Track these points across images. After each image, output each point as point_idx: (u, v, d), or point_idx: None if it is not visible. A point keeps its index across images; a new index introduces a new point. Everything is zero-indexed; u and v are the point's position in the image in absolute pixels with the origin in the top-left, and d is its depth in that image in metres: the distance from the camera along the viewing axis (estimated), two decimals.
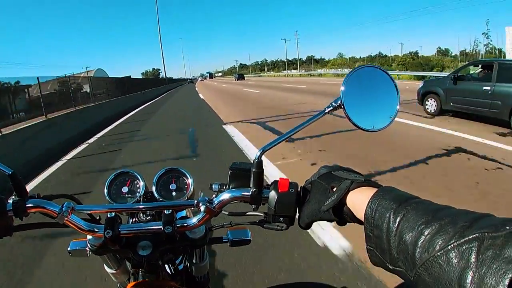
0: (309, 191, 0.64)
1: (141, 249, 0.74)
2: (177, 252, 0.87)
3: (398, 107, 0.66)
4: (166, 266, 0.89)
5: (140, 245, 0.74)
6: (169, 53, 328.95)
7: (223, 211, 0.72)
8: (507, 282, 0.32)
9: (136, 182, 0.91)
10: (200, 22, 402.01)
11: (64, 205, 0.69)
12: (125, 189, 0.90)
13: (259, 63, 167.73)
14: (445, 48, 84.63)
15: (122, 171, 0.93)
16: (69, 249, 0.86)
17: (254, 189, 0.66)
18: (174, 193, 0.91)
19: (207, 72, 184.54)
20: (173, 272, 0.90)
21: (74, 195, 0.76)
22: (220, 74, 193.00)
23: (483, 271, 0.35)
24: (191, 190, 0.92)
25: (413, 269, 0.43)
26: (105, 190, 0.89)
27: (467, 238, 0.38)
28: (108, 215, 0.71)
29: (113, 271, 0.89)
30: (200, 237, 0.79)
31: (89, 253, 0.81)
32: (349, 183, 0.57)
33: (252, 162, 0.67)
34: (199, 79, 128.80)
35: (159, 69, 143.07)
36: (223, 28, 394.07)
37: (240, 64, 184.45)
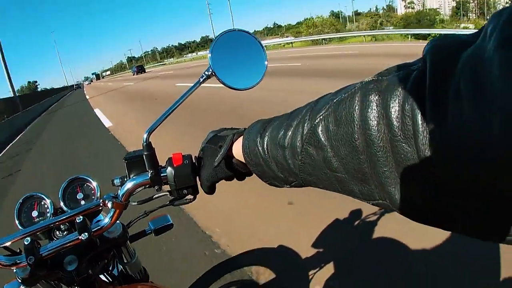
0: (202, 158, 0.66)
1: (68, 265, 0.72)
2: (104, 257, 0.84)
3: (266, 62, 0.69)
4: (102, 276, 0.86)
5: (66, 261, 0.72)
6: (45, 61, 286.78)
7: (131, 203, 0.71)
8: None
9: (43, 202, 0.88)
10: (71, 18, 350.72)
11: None
12: (34, 213, 0.87)
13: (149, 52, 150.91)
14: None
15: (26, 196, 0.88)
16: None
17: (151, 171, 0.66)
18: (83, 202, 0.89)
19: (92, 74, 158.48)
20: (110, 279, 0.88)
21: None
22: (108, 72, 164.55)
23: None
24: (98, 193, 0.91)
25: (298, 177, 0.46)
26: (16, 221, 0.85)
27: (311, 129, 0.41)
28: (25, 242, 0.67)
29: None
30: (120, 235, 0.79)
31: None
32: (231, 136, 0.60)
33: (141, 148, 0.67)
34: (86, 83, 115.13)
35: (36, 81, 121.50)
36: (100, 24, 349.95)
37: (129, 57, 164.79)
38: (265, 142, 0.50)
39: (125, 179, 0.72)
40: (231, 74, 0.66)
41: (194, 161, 0.66)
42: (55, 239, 0.82)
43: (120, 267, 0.92)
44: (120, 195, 0.69)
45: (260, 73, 0.68)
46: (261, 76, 0.68)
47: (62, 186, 0.90)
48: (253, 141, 0.52)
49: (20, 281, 0.72)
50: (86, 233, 0.69)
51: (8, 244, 0.71)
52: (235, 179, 0.65)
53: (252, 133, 0.54)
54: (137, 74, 47.02)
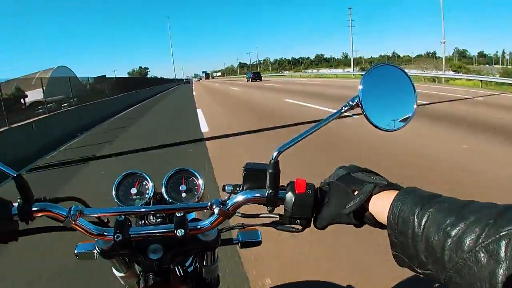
0: (327, 193, 0.63)
1: (151, 252, 0.72)
2: (188, 254, 0.88)
3: (415, 106, 0.66)
4: (176, 268, 0.87)
5: (151, 249, 0.72)
6: (158, 51, 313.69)
7: (237, 214, 0.70)
8: None
9: (144, 183, 0.90)
10: (192, 19, 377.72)
11: (72, 209, 0.67)
12: (133, 191, 0.88)
13: (261, 61, 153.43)
14: (462, 49, 72.60)
15: (130, 172, 0.91)
16: (76, 252, 0.85)
17: (270, 191, 0.65)
18: (183, 194, 0.90)
19: (202, 72, 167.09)
20: (182, 274, 0.88)
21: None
22: (219, 74, 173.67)
23: None
24: (202, 191, 0.90)
25: (443, 271, 0.42)
26: (113, 192, 0.88)
27: (493, 238, 0.38)
28: (118, 218, 0.68)
29: (121, 274, 0.86)
30: (212, 240, 0.76)
31: (96, 256, 0.79)
32: (372, 187, 0.56)
33: (266, 163, 0.67)
34: (195, 80, 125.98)
35: (147, 68, 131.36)
36: (218, 26, 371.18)
37: (240, 63, 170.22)
38: (425, 218, 0.46)
39: (238, 189, 0.70)
40: (377, 110, 0.63)
41: (317, 193, 0.63)
42: (146, 222, 0.83)
43: (197, 265, 0.91)
44: (229, 204, 0.68)
45: (406, 116, 0.66)
46: (408, 120, 0.66)
47: (168, 174, 0.91)
48: (410, 209, 0.48)
49: (97, 249, 0.72)
50: (182, 230, 0.67)
51: (102, 215, 0.73)
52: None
53: (410, 200, 0.49)
54: (251, 81, 44.68)
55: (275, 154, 0.64)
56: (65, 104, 13.35)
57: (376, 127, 0.64)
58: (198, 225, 0.71)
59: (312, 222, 0.64)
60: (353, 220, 0.58)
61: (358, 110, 0.64)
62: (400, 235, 0.48)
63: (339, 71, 48.65)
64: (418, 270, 0.47)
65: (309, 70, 74.56)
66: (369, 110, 0.63)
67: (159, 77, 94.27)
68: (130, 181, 0.90)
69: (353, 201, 0.57)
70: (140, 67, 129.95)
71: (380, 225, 0.56)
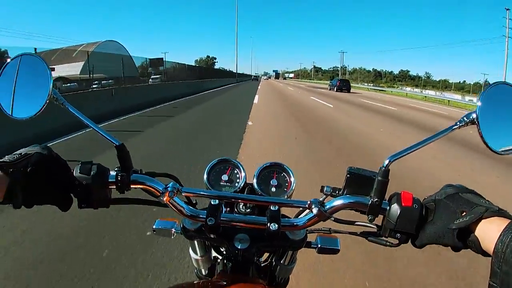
0: (433, 211, 0.60)
1: (238, 241, 0.71)
2: (272, 250, 0.87)
3: None
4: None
5: (238, 237, 0.72)
6: (228, 44, 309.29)
7: (332, 218, 0.69)
8: None
9: (236, 171, 0.90)
10: (272, 18, 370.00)
11: (169, 185, 0.68)
12: (224, 177, 0.88)
13: (346, 67, 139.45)
14: None
15: (223, 158, 0.92)
16: (154, 227, 0.85)
17: (376, 199, 0.63)
18: (273, 189, 0.87)
19: (273, 71, 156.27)
20: (259, 268, 0.86)
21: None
22: (291, 75, 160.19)
23: None
24: (292, 189, 0.88)
25: None
26: (205, 176, 0.88)
27: None
28: (212, 202, 0.69)
29: (197, 257, 0.86)
30: (300, 239, 0.74)
31: (174, 234, 0.83)
32: (483, 210, 0.53)
33: (371, 170, 0.68)
34: (264, 78, 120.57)
35: (215, 58, 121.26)
36: (295, 28, 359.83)
37: (315, 67, 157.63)
38: None
39: (337, 192, 0.70)
40: (492, 130, 0.60)
41: (422, 208, 0.61)
42: (235, 210, 0.84)
43: (273, 262, 0.88)
44: (327, 207, 0.66)
45: None
46: None
47: (260, 167, 0.90)
48: None
49: (178, 228, 0.78)
50: (276, 224, 0.66)
51: (196, 195, 0.73)
52: (447, 247, 0.59)
53: None
54: (336, 91, 33.10)
55: (386, 162, 0.62)
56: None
57: (489, 148, 0.60)
58: (293, 222, 0.70)
59: (410, 239, 0.62)
60: (456, 240, 0.55)
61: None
62: (505, 265, 0.47)
63: (454, 97, 34.70)
64: None
65: (408, 88, 60.64)
66: (485, 130, 0.60)
67: (227, 69, 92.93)
68: (221, 167, 0.91)
69: (462, 219, 0.54)
70: (208, 56, 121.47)
71: (483, 252, 0.53)
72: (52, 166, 0.64)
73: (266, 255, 0.92)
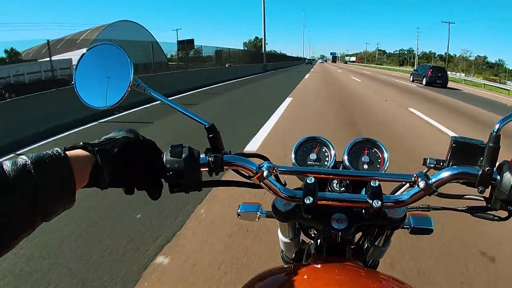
0: None
1: (335, 221, 0.68)
2: (367, 230, 0.81)
3: None
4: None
5: (335, 217, 0.68)
6: (284, 25, 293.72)
7: (437, 191, 0.64)
8: None
9: (324, 149, 0.87)
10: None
11: (264, 165, 0.66)
12: (312, 156, 0.85)
13: (403, 52, 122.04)
14: None
15: (310, 136, 0.89)
16: (238, 211, 0.86)
17: (488, 168, 0.59)
18: (365, 166, 0.83)
19: (331, 53, 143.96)
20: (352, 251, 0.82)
21: None
22: (353, 58, 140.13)
23: None
24: (386, 166, 0.83)
25: None
26: (292, 155, 0.86)
27: None
28: (308, 180, 0.66)
29: (287, 240, 0.84)
30: (400, 218, 0.70)
31: (259, 218, 0.83)
32: None
33: (476, 139, 0.66)
34: (319, 61, 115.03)
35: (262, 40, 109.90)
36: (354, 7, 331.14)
37: (379, 49, 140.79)
38: None
39: (442, 164, 0.68)
40: None
41: None
42: (328, 190, 0.80)
43: (366, 244, 0.83)
44: (433, 180, 0.62)
45: None
46: None
47: (351, 143, 0.87)
48: None
49: (272, 210, 0.73)
50: (379, 201, 0.62)
51: (295, 173, 0.72)
52: None
53: None
54: (426, 84, 21.36)
55: (497, 126, 0.59)
56: None
57: None
58: (398, 198, 0.66)
59: None
60: None
61: None
62: None
63: None
64: None
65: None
66: None
67: (278, 52, 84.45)
68: (309, 146, 0.88)
69: None
70: (256, 38, 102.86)
71: None
72: (140, 150, 0.61)
73: (357, 237, 0.83)
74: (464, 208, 0.68)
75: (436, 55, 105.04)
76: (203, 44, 28.29)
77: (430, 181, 0.62)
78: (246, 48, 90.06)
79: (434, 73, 21.81)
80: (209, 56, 23.11)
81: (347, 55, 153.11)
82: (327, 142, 0.86)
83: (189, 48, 20.94)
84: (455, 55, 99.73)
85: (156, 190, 0.64)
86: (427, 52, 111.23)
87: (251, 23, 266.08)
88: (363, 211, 0.65)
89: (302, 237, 0.88)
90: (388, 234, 0.79)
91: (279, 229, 0.85)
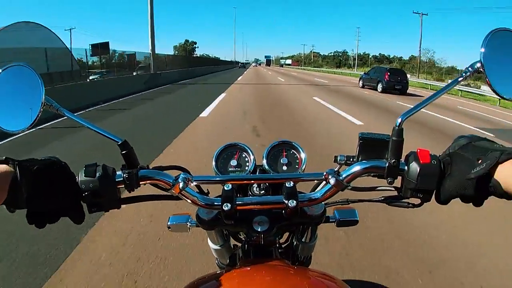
0: (449, 164, 0.60)
1: (257, 224, 0.70)
2: (292, 228, 0.85)
3: None
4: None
5: (256, 220, 0.70)
6: (209, 25, 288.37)
7: (349, 186, 0.67)
8: None
9: (244, 155, 0.88)
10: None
11: (180, 176, 0.66)
12: (233, 162, 0.86)
13: (338, 53, 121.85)
14: None
15: (230, 143, 0.90)
16: (168, 223, 0.84)
17: (393, 160, 0.62)
18: (284, 168, 0.86)
19: (265, 57, 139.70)
20: (280, 249, 0.86)
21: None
22: (288, 61, 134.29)
23: None
24: (303, 166, 0.86)
25: None
26: (213, 163, 0.86)
27: None
28: (225, 188, 0.67)
29: (217, 247, 0.85)
30: (319, 214, 0.73)
31: (189, 228, 0.83)
32: (498, 154, 0.53)
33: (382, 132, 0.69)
34: (253, 64, 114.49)
35: (195, 43, 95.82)
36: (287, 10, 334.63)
37: (314, 52, 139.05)
38: None
39: (352, 160, 0.71)
40: (499, 77, 0.60)
41: (440, 163, 0.61)
42: (249, 193, 0.81)
43: (294, 241, 0.86)
44: (344, 176, 0.65)
45: None
46: None
47: (269, 146, 0.89)
48: None
49: (196, 220, 0.74)
50: (294, 201, 0.64)
51: (206, 183, 0.73)
52: (469, 202, 0.59)
53: None
54: (382, 91, 17.64)
55: (399, 120, 0.61)
56: None
57: (497, 94, 0.61)
58: (311, 196, 0.68)
59: (433, 196, 0.62)
60: (477, 190, 0.56)
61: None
62: None
63: None
64: None
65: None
66: (492, 77, 0.59)
67: (211, 56, 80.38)
68: (229, 153, 0.88)
69: (478, 167, 0.54)
70: (186, 41, 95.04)
71: (506, 195, 0.54)
72: (58, 173, 0.61)
73: (286, 236, 0.91)
74: (380, 199, 0.71)
75: (370, 56, 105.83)
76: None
77: (341, 177, 0.65)
78: (176, 52, 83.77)
79: (392, 77, 18.01)
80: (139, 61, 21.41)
81: (282, 58, 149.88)
82: (246, 148, 0.88)
83: (103, 53, 17.94)
84: (400, 56, 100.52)
85: (77, 213, 0.62)
86: (361, 54, 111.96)
87: (179, 24, 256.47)
88: (283, 211, 0.66)
89: (234, 241, 0.89)
90: (312, 229, 0.82)
91: (208, 238, 0.85)
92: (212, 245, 0.85)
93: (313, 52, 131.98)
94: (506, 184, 0.53)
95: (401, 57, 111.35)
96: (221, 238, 0.83)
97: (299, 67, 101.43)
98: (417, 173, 0.60)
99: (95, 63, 17.85)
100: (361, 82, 21.21)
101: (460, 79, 0.63)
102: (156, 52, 21.98)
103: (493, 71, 0.59)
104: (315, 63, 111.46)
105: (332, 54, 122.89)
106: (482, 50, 0.59)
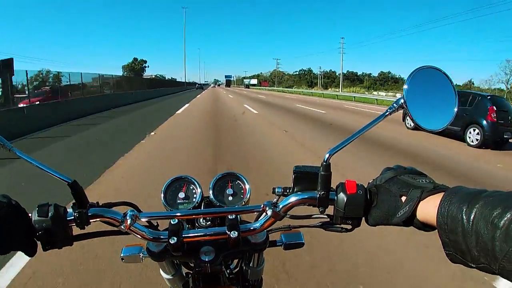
0: (376, 195, 0.64)
1: (203, 254, 0.74)
2: (237, 256, 0.90)
3: (456, 109, 0.68)
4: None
5: (203, 251, 0.74)
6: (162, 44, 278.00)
7: (287, 216, 0.72)
8: None
9: (192, 187, 0.92)
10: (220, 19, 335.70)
11: (127, 213, 0.69)
12: (181, 195, 0.90)
13: (303, 71, 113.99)
14: None
15: (177, 177, 0.93)
16: (122, 255, 0.86)
17: (323, 192, 0.66)
18: (230, 198, 0.90)
19: (226, 77, 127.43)
20: (229, 276, 0.91)
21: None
22: (254, 81, 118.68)
23: None
24: (248, 196, 0.91)
25: (495, 262, 0.45)
26: (162, 196, 0.89)
27: None
28: (172, 222, 0.70)
29: (169, 276, 0.89)
30: (262, 241, 0.78)
31: (142, 259, 0.84)
32: (419, 193, 0.58)
33: (313, 164, 0.73)
34: (211, 85, 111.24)
35: (145, 62, 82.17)
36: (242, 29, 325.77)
37: (279, 70, 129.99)
38: (473, 214, 0.48)
39: (288, 191, 0.74)
40: (421, 111, 0.66)
41: (366, 193, 0.65)
42: (196, 225, 0.85)
43: (243, 267, 0.91)
44: (281, 206, 0.70)
45: (446, 119, 0.68)
46: (447, 122, 0.68)
47: (215, 178, 0.92)
48: (458, 208, 0.50)
49: (145, 252, 0.77)
50: (236, 232, 0.69)
51: (155, 218, 0.74)
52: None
53: (456, 199, 0.52)
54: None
55: (326, 156, 0.65)
56: None
57: (420, 127, 0.66)
58: (251, 227, 0.73)
59: (363, 221, 0.66)
60: (402, 225, 0.60)
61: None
62: (451, 234, 0.51)
63: None
64: (472, 265, 0.49)
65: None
66: (414, 111, 0.64)
67: (166, 77, 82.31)
68: (177, 185, 0.91)
69: (402, 210, 0.59)
70: (136, 60, 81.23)
71: (427, 228, 0.58)
72: (11, 213, 0.63)
73: (235, 262, 0.95)
74: (318, 224, 0.74)
75: (337, 74, 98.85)
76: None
77: (278, 208, 0.70)
78: (125, 73, 72.96)
79: (501, 115, 8.59)
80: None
81: (245, 78, 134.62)
82: (194, 181, 0.92)
83: (6, 73, 13.34)
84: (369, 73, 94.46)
85: (31, 250, 0.65)
86: (328, 71, 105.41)
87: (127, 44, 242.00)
88: (227, 241, 0.70)
89: (186, 269, 0.92)
90: (259, 255, 0.87)
91: (160, 269, 0.88)
92: (164, 275, 0.89)
93: (279, 71, 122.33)
94: (426, 218, 0.57)
95: (370, 73, 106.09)
96: (172, 268, 0.88)
97: (267, 87, 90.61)
98: (344, 203, 0.64)
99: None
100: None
101: (387, 113, 0.67)
102: (101, 73, 20.17)
103: (415, 106, 0.65)
104: (286, 83, 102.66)
105: (298, 72, 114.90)
106: (405, 87, 0.65)
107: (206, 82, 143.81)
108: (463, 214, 0.49)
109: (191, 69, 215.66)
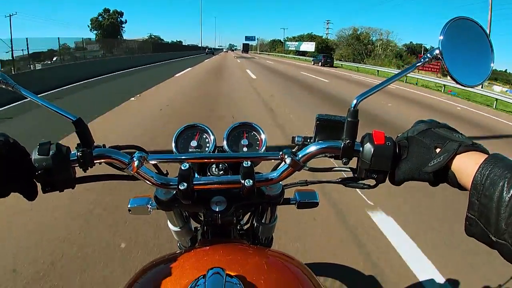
0: (407, 148, 0.60)
1: (214, 204, 0.69)
2: (250, 209, 0.86)
3: (492, 65, 0.64)
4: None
5: (214, 200, 0.69)
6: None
7: (306, 167, 0.68)
8: None
9: (205, 136, 0.87)
10: None
11: (135, 155, 0.64)
12: (193, 143, 0.86)
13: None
14: None
15: (190, 124, 0.89)
16: (129, 206, 0.82)
17: (348, 141, 0.62)
18: (245, 149, 0.86)
19: (246, 39, 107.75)
20: (240, 232, 0.90)
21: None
22: (254, 43, 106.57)
23: None
24: (264, 147, 0.87)
25: None
26: (173, 144, 0.85)
27: None
28: (182, 167, 0.65)
29: (177, 229, 0.83)
30: (277, 194, 0.73)
31: (150, 211, 0.81)
32: (456, 146, 0.53)
33: (338, 114, 0.68)
34: (224, 50, 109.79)
35: (121, 15, 61.85)
36: None
37: (287, 37, 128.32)
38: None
39: (308, 141, 0.70)
40: (457, 64, 0.60)
41: (395, 146, 0.60)
42: (208, 174, 0.80)
43: (254, 223, 0.87)
44: (300, 156, 0.65)
45: (483, 74, 0.63)
46: (484, 78, 0.64)
47: (229, 128, 0.88)
48: (501, 173, 0.45)
49: (153, 201, 0.73)
50: (250, 180, 0.64)
51: (163, 162, 0.70)
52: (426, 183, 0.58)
53: (502, 164, 0.47)
54: None
55: (354, 102, 0.61)
56: None
57: (455, 80, 0.60)
58: (265, 177, 0.68)
59: (387, 178, 0.62)
60: (432, 178, 0.56)
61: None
62: (484, 197, 0.46)
63: None
64: (492, 238, 0.45)
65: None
66: (450, 64, 0.59)
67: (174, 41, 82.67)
68: (189, 133, 0.87)
69: (436, 159, 0.54)
70: (106, 10, 59.93)
71: (460, 186, 0.54)
72: (10, 152, 0.59)
73: (246, 217, 0.92)
74: (338, 180, 0.71)
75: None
76: None
77: (297, 157, 0.64)
78: (95, 31, 59.05)
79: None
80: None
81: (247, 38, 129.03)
82: (207, 128, 0.87)
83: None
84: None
85: (30, 192, 0.62)
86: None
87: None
88: (240, 191, 0.66)
89: (195, 223, 0.89)
90: (272, 210, 0.82)
91: (168, 221, 0.84)
92: (172, 227, 0.84)
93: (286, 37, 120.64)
94: (460, 175, 0.52)
95: None
96: (180, 220, 0.82)
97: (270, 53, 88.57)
98: (371, 154, 0.59)
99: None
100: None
101: (418, 64, 0.62)
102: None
103: (451, 59, 0.59)
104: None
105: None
106: (441, 37, 0.59)
107: (220, 46, 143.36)
108: (505, 181, 0.44)
109: (207, 35, 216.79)
